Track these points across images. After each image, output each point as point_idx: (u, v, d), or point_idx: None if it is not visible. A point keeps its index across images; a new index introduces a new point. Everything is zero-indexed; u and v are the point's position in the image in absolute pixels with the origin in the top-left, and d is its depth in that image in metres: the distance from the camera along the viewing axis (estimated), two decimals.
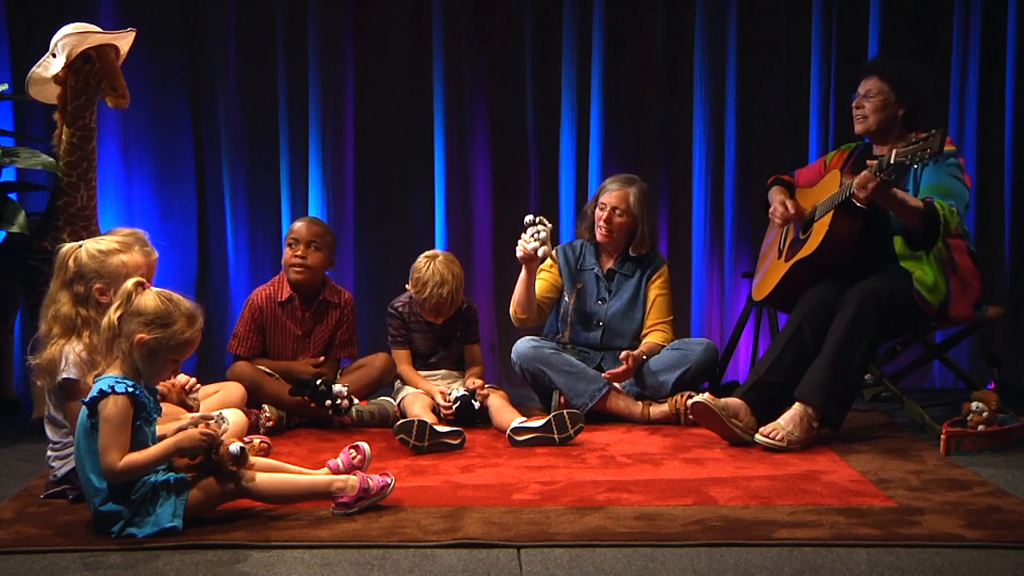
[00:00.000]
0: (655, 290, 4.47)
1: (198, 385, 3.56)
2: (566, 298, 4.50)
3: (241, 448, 2.89)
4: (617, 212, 4.41)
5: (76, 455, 2.86)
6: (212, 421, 2.94)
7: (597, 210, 4.44)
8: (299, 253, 4.32)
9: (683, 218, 5.25)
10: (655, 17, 5.16)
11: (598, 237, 4.45)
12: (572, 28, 5.14)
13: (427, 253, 4.35)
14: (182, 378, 3.55)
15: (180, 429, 2.87)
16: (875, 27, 5.12)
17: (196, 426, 2.87)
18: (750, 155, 5.20)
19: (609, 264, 4.51)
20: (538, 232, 4.21)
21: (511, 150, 5.22)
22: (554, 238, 4.28)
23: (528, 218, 4.25)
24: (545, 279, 4.50)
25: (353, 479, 2.97)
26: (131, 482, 2.79)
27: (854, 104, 4.07)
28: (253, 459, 2.98)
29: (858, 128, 4.08)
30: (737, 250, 5.22)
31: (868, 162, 3.76)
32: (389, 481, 3.02)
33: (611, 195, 4.42)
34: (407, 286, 4.34)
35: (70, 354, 3.07)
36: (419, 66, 5.15)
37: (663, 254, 4.70)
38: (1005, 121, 5.15)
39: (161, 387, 3.24)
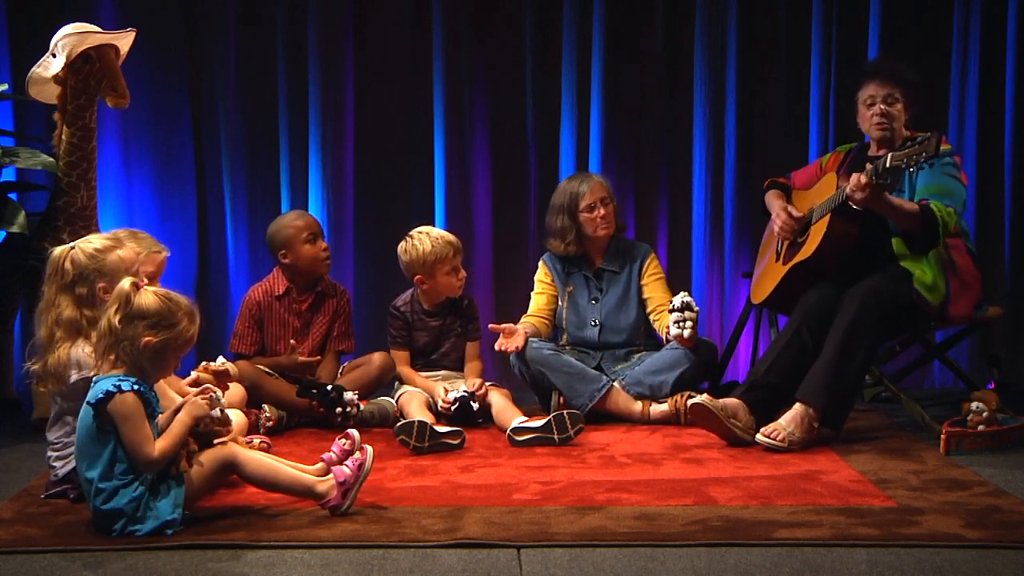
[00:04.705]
0: (650, 276, 4.48)
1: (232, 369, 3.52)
2: (560, 303, 4.51)
3: (220, 410, 2.95)
4: (606, 202, 4.42)
5: (76, 455, 2.87)
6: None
7: (585, 214, 4.42)
8: (324, 246, 4.38)
9: (683, 218, 5.25)
10: (655, 17, 5.16)
11: (601, 233, 4.43)
12: (572, 28, 5.13)
13: (400, 247, 4.37)
14: (219, 361, 3.50)
15: (176, 411, 2.90)
16: (875, 27, 5.11)
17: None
18: (750, 155, 5.20)
19: (597, 263, 4.52)
20: (685, 321, 4.13)
21: (511, 150, 5.22)
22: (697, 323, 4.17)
23: (677, 300, 4.17)
24: (545, 292, 4.54)
25: (330, 478, 2.95)
26: (129, 481, 2.80)
27: (876, 111, 4.02)
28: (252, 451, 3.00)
29: (880, 134, 4.04)
30: (737, 250, 5.22)
31: (867, 166, 3.76)
32: (365, 457, 2.99)
33: (592, 192, 4.41)
34: (416, 279, 4.35)
35: (80, 355, 3.07)
36: (419, 66, 5.15)
37: (648, 245, 4.70)
38: (1005, 121, 5.14)
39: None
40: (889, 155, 3.68)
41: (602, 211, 4.41)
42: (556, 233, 4.50)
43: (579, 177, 4.51)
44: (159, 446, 2.80)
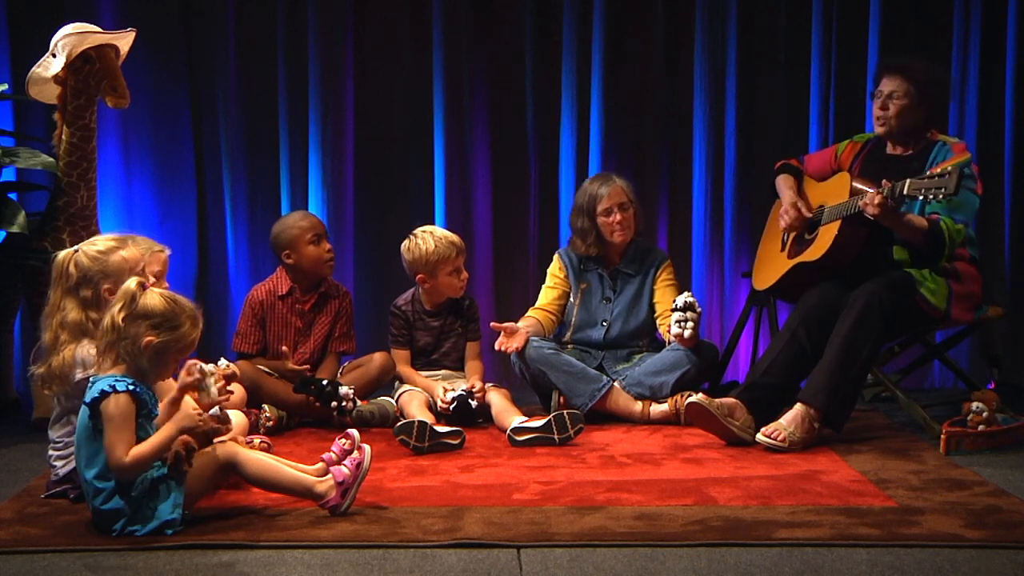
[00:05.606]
0: (662, 282, 4.47)
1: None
2: (571, 299, 4.51)
3: (220, 409, 2.94)
4: (624, 207, 4.40)
5: (76, 455, 2.87)
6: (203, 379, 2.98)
7: (603, 217, 4.41)
8: (328, 247, 4.38)
9: (683, 218, 5.25)
10: (655, 17, 5.16)
11: (617, 239, 4.42)
12: (572, 28, 5.13)
13: (404, 245, 4.37)
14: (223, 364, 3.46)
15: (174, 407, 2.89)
16: (875, 27, 5.11)
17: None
18: (750, 154, 5.20)
19: (614, 263, 4.52)
20: (686, 321, 4.14)
21: (511, 150, 5.22)
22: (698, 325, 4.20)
23: (680, 299, 4.19)
24: (557, 286, 4.53)
25: (329, 478, 2.96)
26: (131, 480, 2.79)
27: (877, 105, 4.04)
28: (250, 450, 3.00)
29: (879, 130, 4.06)
30: (737, 250, 5.22)
31: (884, 183, 3.74)
32: (363, 457, 2.99)
33: (611, 196, 4.39)
34: (418, 278, 4.35)
35: (85, 355, 3.06)
36: (419, 66, 5.15)
37: (666, 253, 4.70)
38: (1005, 120, 5.14)
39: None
40: (908, 182, 3.66)
41: (619, 216, 4.39)
42: (577, 233, 4.49)
43: (601, 179, 4.48)
44: (134, 451, 2.76)
